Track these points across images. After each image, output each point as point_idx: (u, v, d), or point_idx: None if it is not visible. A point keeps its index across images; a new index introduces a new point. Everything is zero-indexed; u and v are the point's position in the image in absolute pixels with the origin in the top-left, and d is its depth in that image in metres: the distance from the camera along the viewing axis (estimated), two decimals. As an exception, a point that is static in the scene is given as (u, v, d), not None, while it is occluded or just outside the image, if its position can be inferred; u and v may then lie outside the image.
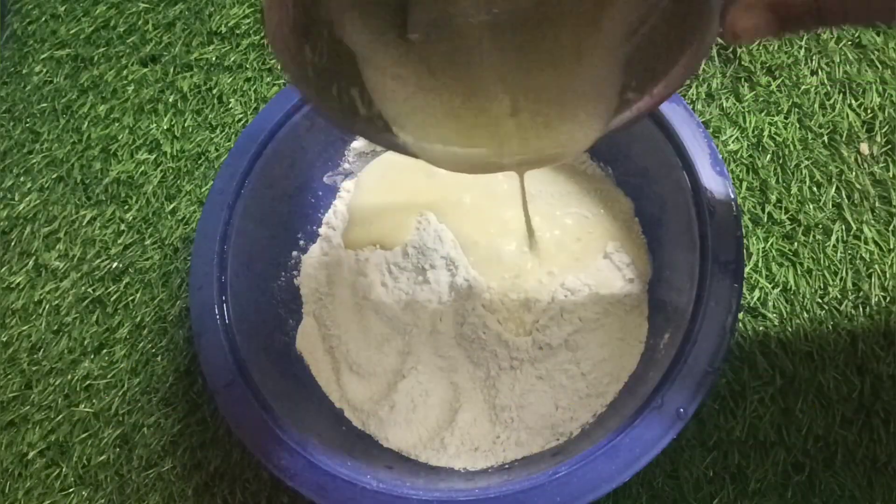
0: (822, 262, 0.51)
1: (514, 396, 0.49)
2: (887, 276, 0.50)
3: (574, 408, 0.48)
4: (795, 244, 0.52)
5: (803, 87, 0.57)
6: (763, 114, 0.57)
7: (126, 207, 0.65)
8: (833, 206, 0.53)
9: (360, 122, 0.28)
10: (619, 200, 0.54)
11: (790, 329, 0.50)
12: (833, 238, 0.52)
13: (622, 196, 0.54)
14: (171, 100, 0.68)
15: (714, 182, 0.45)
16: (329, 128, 0.55)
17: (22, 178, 0.68)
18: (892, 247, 0.51)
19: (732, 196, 0.44)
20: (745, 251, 0.45)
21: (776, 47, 0.58)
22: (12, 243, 0.66)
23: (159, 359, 0.58)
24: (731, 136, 0.57)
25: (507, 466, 0.47)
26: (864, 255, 0.51)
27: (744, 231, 0.48)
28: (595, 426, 0.47)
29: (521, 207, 0.45)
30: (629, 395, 0.47)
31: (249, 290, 0.50)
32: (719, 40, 0.28)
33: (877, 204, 0.53)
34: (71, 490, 0.56)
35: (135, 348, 0.59)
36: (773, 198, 0.54)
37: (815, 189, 0.54)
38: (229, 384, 0.45)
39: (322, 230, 0.57)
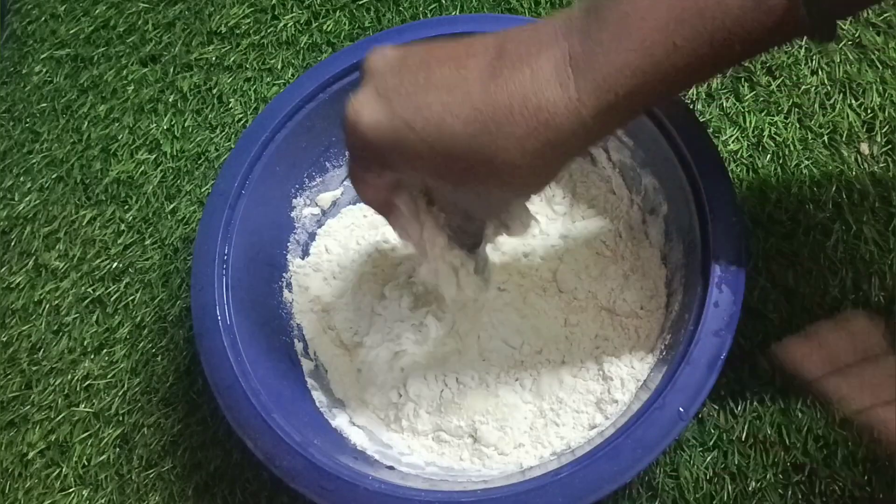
0: (822, 262, 0.52)
1: (517, 399, 0.50)
2: (887, 276, 0.50)
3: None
4: (795, 244, 0.52)
5: (803, 87, 0.57)
6: (763, 114, 0.57)
7: (126, 207, 0.65)
8: (833, 206, 0.53)
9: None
10: (629, 211, 0.54)
11: (790, 329, 0.50)
12: (833, 238, 0.52)
13: (635, 209, 0.54)
14: (171, 100, 0.68)
15: (714, 182, 0.45)
16: (329, 129, 0.55)
17: (22, 178, 0.68)
18: (892, 247, 0.51)
19: (732, 196, 0.44)
20: (745, 251, 0.45)
21: (776, 47, 0.58)
22: (12, 243, 0.66)
23: (159, 359, 0.58)
24: (731, 136, 0.57)
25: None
26: (864, 255, 0.51)
27: (743, 231, 0.48)
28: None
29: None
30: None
31: (250, 291, 0.50)
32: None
33: (877, 204, 0.53)
34: (71, 490, 0.56)
35: (135, 348, 0.59)
36: (773, 198, 0.54)
37: (815, 189, 0.54)
38: (231, 385, 0.45)
39: (323, 230, 0.57)
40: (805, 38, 0.34)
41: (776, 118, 0.57)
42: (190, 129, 0.67)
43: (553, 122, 0.34)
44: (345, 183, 0.58)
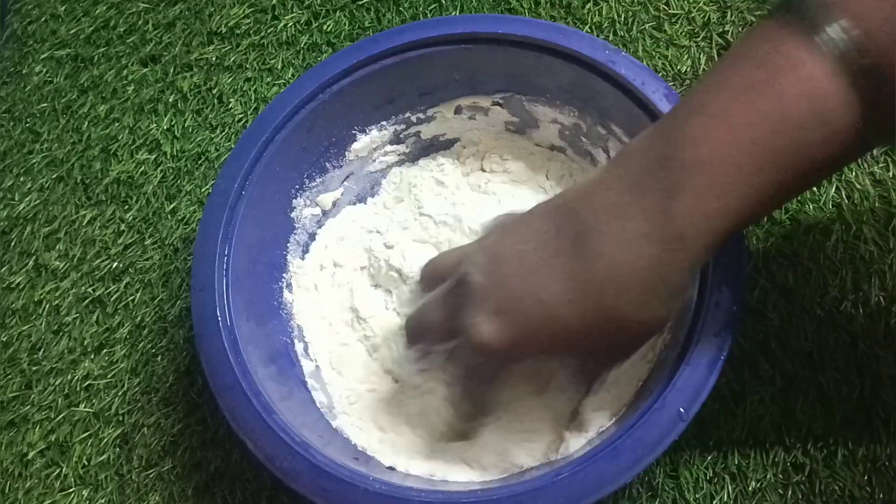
0: (822, 262, 0.52)
1: (519, 400, 0.49)
2: (887, 276, 0.51)
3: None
4: (795, 244, 0.52)
5: (803, 87, 0.57)
6: (763, 114, 0.57)
7: (126, 207, 0.65)
8: (833, 206, 0.53)
9: None
10: None
11: (790, 329, 0.50)
12: (833, 238, 0.52)
13: None
14: (171, 100, 0.68)
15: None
16: (329, 129, 0.55)
17: (22, 178, 0.68)
18: (892, 247, 0.51)
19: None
20: (745, 252, 0.45)
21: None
22: (12, 243, 0.66)
23: (159, 359, 0.58)
24: (732, 136, 0.57)
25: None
26: (864, 255, 0.51)
27: (744, 231, 0.48)
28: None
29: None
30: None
31: (251, 292, 0.50)
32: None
33: (877, 204, 0.53)
34: (71, 490, 0.56)
35: (135, 348, 0.59)
36: (773, 198, 0.54)
37: (815, 189, 0.54)
38: (231, 386, 0.45)
39: (323, 230, 0.58)
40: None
41: (776, 118, 0.57)
42: (190, 129, 0.67)
43: (659, 287, 0.36)
44: (345, 183, 0.58)
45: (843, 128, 0.32)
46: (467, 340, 0.39)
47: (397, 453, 0.48)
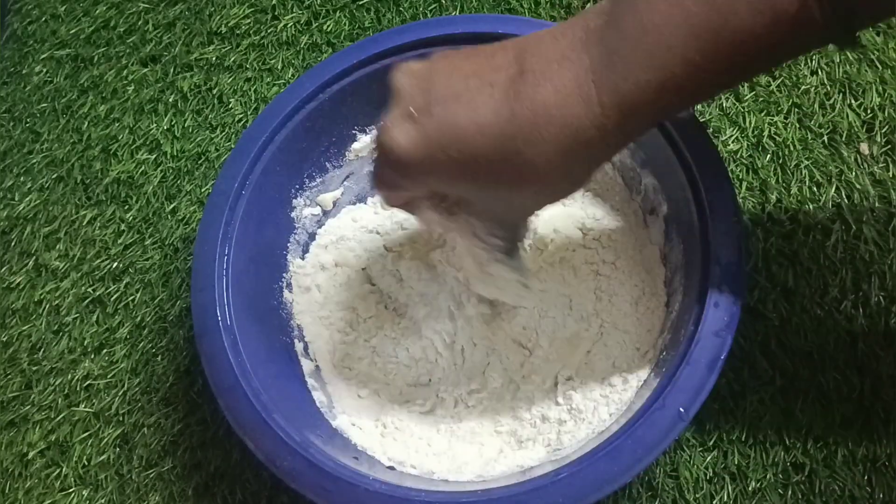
0: (821, 262, 0.52)
1: (516, 400, 0.50)
2: (887, 276, 0.51)
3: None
4: (795, 244, 0.52)
5: (803, 87, 0.57)
6: (763, 114, 0.57)
7: (126, 207, 0.65)
8: (833, 206, 0.53)
9: None
10: (634, 213, 0.54)
11: (790, 329, 0.50)
12: (833, 238, 0.52)
13: (638, 209, 0.54)
14: (171, 100, 0.68)
15: (714, 182, 0.45)
16: (329, 129, 0.55)
17: (22, 178, 0.68)
18: (891, 247, 0.51)
19: (732, 196, 0.44)
20: (745, 251, 0.45)
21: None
22: (12, 243, 0.66)
23: (159, 359, 0.58)
24: (731, 136, 0.57)
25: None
26: (863, 255, 0.51)
27: (744, 231, 0.48)
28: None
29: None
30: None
31: (251, 292, 0.50)
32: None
33: (876, 204, 0.53)
34: (71, 490, 0.56)
35: (135, 348, 0.59)
36: (773, 198, 0.54)
37: (814, 189, 0.54)
38: (231, 386, 0.45)
39: (323, 230, 0.58)
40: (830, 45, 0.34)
41: (776, 118, 0.57)
42: (190, 129, 0.67)
43: (578, 134, 0.35)
44: (345, 183, 0.58)
45: (791, 19, 0.32)
46: (376, 142, 0.39)
47: (398, 453, 0.48)
